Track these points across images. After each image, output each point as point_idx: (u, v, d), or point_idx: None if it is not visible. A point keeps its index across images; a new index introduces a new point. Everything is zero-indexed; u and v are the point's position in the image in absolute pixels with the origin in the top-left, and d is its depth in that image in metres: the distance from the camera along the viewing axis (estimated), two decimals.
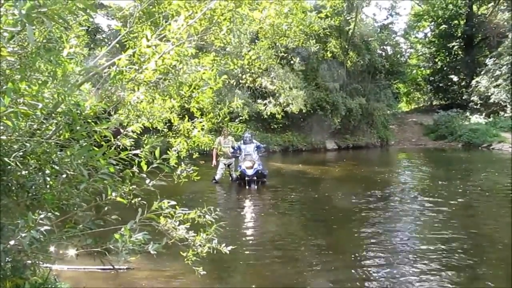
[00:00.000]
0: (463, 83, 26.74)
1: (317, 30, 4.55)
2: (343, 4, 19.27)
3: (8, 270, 2.07)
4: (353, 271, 4.32)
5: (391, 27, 23.61)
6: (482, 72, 23.10)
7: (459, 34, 26.68)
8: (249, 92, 15.71)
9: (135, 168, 2.30)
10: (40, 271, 2.51)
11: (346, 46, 20.10)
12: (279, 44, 4.42)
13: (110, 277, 4.07)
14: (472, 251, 4.92)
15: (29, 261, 2.19)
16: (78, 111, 2.10)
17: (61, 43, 2.40)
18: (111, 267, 3.74)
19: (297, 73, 16.06)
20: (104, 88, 2.64)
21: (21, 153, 2.03)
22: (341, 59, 20.19)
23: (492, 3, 25.42)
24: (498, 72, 21.62)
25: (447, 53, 28.16)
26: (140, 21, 3.46)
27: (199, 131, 3.25)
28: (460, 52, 27.13)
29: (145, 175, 2.30)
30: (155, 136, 2.69)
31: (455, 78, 27.19)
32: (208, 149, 3.72)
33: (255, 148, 9.23)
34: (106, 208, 2.32)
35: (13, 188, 2.12)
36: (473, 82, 23.81)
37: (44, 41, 2.20)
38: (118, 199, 2.25)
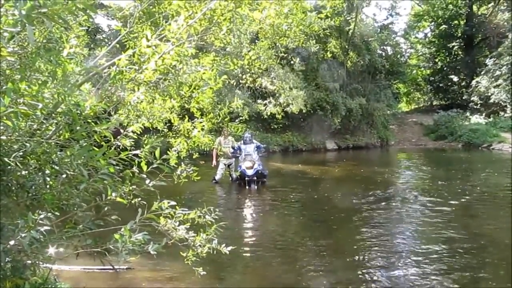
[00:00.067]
0: (463, 83, 26.74)
1: (317, 30, 4.55)
2: (343, 4, 19.28)
3: (8, 270, 2.07)
4: (353, 271, 4.32)
5: (391, 27, 23.62)
6: (482, 72, 23.09)
7: (459, 34, 26.67)
8: (249, 92, 15.71)
9: (135, 169, 2.30)
10: (40, 271, 2.51)
11: (346, 46, 20.10)
12: (279, 44, 4.42)
13: (110, 277, 4.07)
14: (474, 251, 4.92)
15: (29, 261, 2.19)
16: (78, 111, 2.10)
17: (61, 43, 2.40)
18: (111, 267, 3.74)
19: (297, 73, 16.05)
20: (104, 88, 2.64)
21: (21, 153, 2.03)
22: (341, 59, 20.20)
23: (492, 3, 25.43)
24: (498, 72, 21.62)
25: (447, 53, 28.16)
26: (140, 21, 3.45)
27: (199, 131, 3.24)
28: (460, 52, 27.13)
29: (145, 176, 2.30)
30: (155, 136, 2.69)
31: (455, 78, 27.19)
32: (208, 149, 3.72)
33: (255, 148, 9.23)
34: (106, 208, 2.32)
35: (13, 188, 2.11)
36: (473, 82, 23.80)
37: (44, 41, 2.20)
38: (118, 199, 2.25)
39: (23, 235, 1.90)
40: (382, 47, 22.47)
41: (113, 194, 2.20)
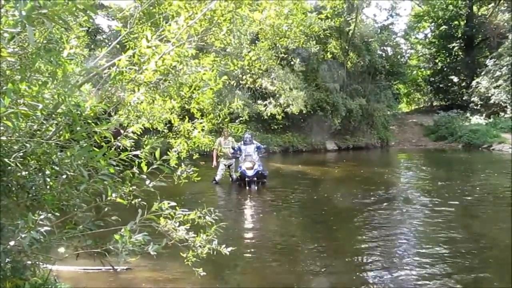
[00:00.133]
0: (463, 84, 26.74)
1: (317, 31, 4.56)
2: (344, 5, 19.29)
3: (8, 270, 2.07)
4: (353, 272, 4.32)
5: (391, 28, 23.61)
6: (483, 73, 23.10)
7: (459, 35, 26.68)
8: (249, 93, 15.73)
9: (135, 169, 2.30)
10: (40, 271, 2.51)
11: (346, 47, 20.11)
12: (279, 45, 4.42)
13: (110, 277, 4.07)
14: (475, 252, 4.92)
15: (29, 262, 2.19)
16: (78, 112, 2.10)
17: (61, 44, 2.40)
18: (111, 267, 3.74)
19: (297, 74, 16.07)
20: (104, 88, 2.64)
21: (21, 154, 2.03)
22: (341, 60, 20.21)
23: (492, 4, 25.44)
24: (498, 73, 21.62)
25: (447, 54, 28.16)
26: (141, 21, 3.46)
27: (199, 132, 3.25)
28: (460, 53, 27.13)
29: (145, 176, 2.30)
30: (155, 137, 2.69)
31: (455, 79, 27.19)
32: (208, 150, 3.72)
33: (255, 149, 9.23)
34: (106, 209, 2.32)
35: (13, 188, 2.12)
36: (474, 83, 23.81)
37: (45, 42, 2.20)
38: (118, 200, 2.25)
39: (23, 235, 1.90)
40: (382, 47, 22.49)
41: (113, 195, 2.20)
